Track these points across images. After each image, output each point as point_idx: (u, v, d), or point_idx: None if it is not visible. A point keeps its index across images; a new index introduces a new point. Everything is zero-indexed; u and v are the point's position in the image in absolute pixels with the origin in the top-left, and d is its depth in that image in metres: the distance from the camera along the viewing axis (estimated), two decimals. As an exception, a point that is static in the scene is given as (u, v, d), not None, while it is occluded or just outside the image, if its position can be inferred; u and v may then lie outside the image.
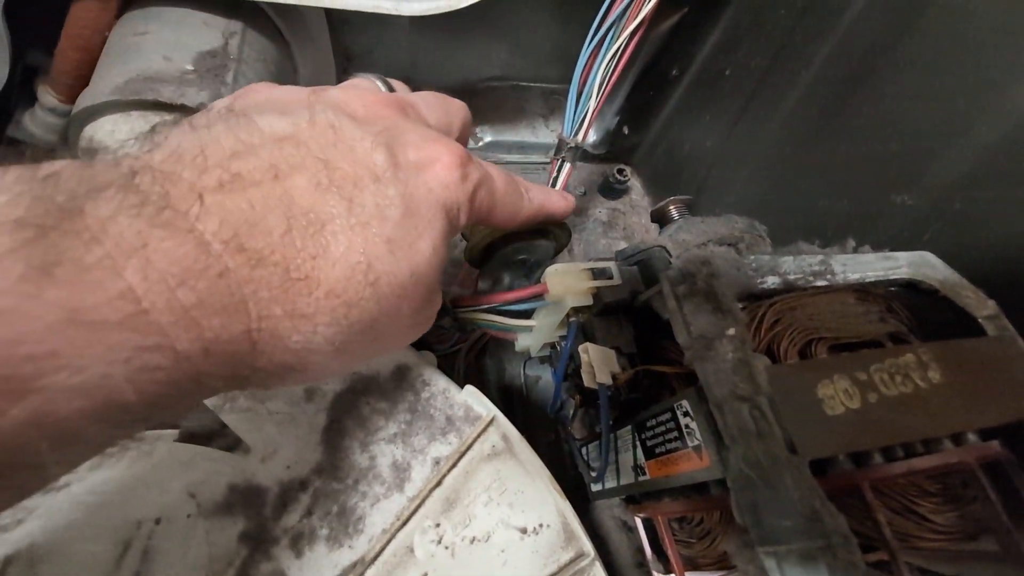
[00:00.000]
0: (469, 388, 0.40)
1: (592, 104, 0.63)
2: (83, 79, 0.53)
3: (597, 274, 0.36)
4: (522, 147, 0.88)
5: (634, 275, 0.37)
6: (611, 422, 0.34)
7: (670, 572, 0.35)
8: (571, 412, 0.44)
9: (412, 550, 0.34)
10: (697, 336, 0.29)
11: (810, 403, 0.26)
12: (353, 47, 0.74)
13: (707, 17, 0.73)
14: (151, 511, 0.32)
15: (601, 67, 0.62)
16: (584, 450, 0.44)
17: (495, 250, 0.42)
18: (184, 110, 0.44)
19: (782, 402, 0.26)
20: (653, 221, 0.52)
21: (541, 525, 0.36)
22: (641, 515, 0.37)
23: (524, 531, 0.36)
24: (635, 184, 0.93)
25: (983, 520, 0.27)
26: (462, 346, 0.60)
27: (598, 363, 0.33)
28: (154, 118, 0.44)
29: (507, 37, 0.82)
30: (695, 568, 0.33)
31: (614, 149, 0.94)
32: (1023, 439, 0.29)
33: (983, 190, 0.44)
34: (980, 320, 0.35)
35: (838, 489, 0.26)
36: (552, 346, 0.41)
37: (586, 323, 0.37)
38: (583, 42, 0.85)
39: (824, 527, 0.22)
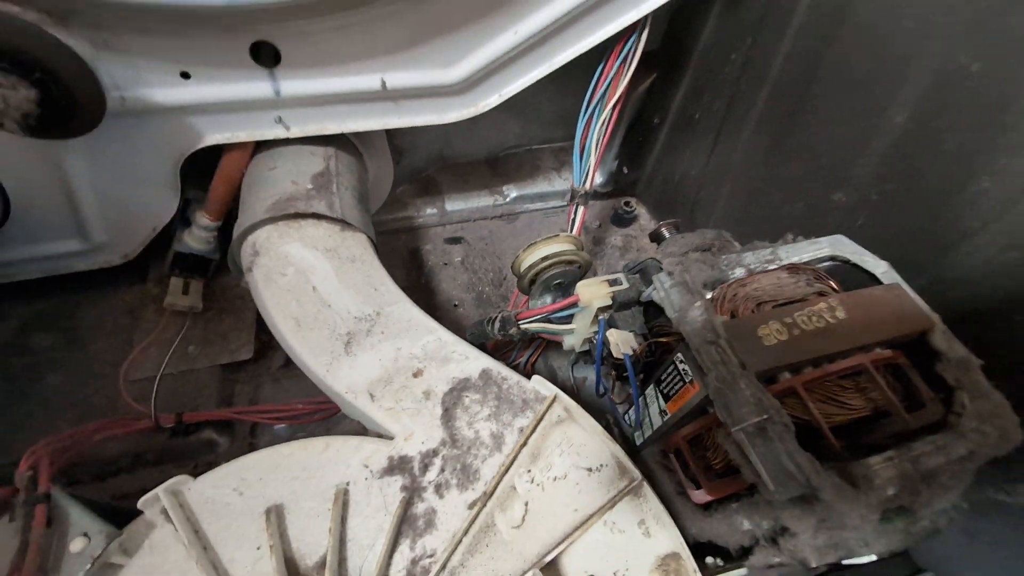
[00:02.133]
0: (536, 377, 0.56)
1: (592, 159, 0.82)
2: (228, 203, 0.75)
3: (612, 283, 0.53)
4: (542, 197, 1.07)
5: (637, 280, 0.53)
6: (638, 382, 0.50)
7: (699, 487, 0.50)
8: (611, 386, 0.59)
9: (515, 488, 0.50)
10: (678, 309, 0.45)
11: (753, 339, 0.42)
12: (402, 144, 0.96)
13: (673, 77, 0.92)
14: (342, 478, 0.49)
15: (595, 132, 0.80)
16: (625, 417, 0.59)
17: (538, 279, 0.60)
18: (314, 216, 0.64)
19: (734, 341, 0.41)
20: (651, 241, 0.68)
21: (601, 465, 0.51)
22: (671, 449, 0.52)
23: (589, 470, 0.51)
24: (642, 211, 1.10)
25: (879, 401, 0.41)
26: (521, 360, 0.77)
27: (620, 341, 0.49)
28: (296, 223, 0.64)
29: (518, 112, 1.02)
30: (712, 473, 0.47)
31: (618, 186, 1.12)
32: (914, 349, 0.44)
33: (888, 183, 0.60)
34: (878, 275, 0.50)
35: (782, 392, 0.41)
36: (589, 340, 0.57)
37: (609, 319, 0.54)
38: (578, 106, 1.05)
39: (764, 406, 0.37)
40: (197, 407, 0.71)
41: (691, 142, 0.95)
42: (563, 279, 0.61)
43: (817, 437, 0.41)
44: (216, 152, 0.71)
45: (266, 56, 0.62)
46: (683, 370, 0.45)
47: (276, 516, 0.46)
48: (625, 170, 1.09)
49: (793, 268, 0.50)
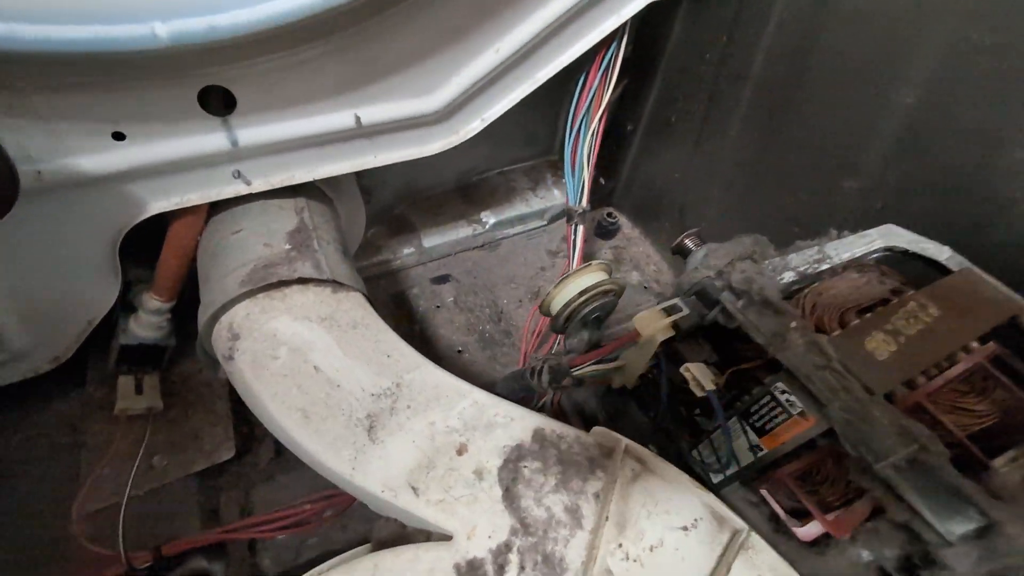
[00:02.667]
0: (596, 429, 0.49)
1: (586, 175, 0.77)
2: (182, 279, 0.63)
3: (670, 311, 0.47)
4: (522, 219, 1.01)
5: (694, 302, 0.48)
6: (723, 418, 0.44)
7: (805, 522, 0.44)
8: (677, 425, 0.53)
9: (610, 571, 0.42)
10: (771, 335, 0.40)
11: (865, 356, 0.37)
12: (369, 183, 0.86)
13: (644, 82, 0.90)
14: (404, 603, 0.40)
15: (584, 146, 0.76)
16: (695, 453, 0.53)
17: (575, 316, 0.53)
18: (300, 281, 0.54)
19: (848, 361, 0.37)
20: (674, 254, 0.63)
21: (696, 519, 0.45)
22: (765, 486, 0.47)
23: (685, 528, 0.45)
24: (623, 221, 1.07)
25: (1005, 400, 0.38)
26: (546, 399, 0.70)
27: (700, 375, 0.44)
28: (280, 293, 0.54)
29: (486, 136, 0.96)
30: (828, 508, 0.42)
31: (595, 197, 1.08)
32: (1008, 336, 0.41)
33: (906, 164, 0.59)
34: (943, 263, 0.48)
35: (907, 410, 0.36)
36: (643, 376, 0.51)
37: (670, 351, 0.48)
38: (547, 122, 1.00)
39: (914, 435, 0.33)
40: (177, 533, 0.57)
41: (670, 145, 0.93)
42: (601, 312, 0.55)
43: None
44: (162, 221, 0.59)
45: (217, 102, 0.52)
46: (786, 402, 0.40)
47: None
48: (601, 180, 1.05)
49: (859, 266, 0.47)
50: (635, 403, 0.58)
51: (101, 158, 0.50)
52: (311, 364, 0.51)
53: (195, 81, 0.49)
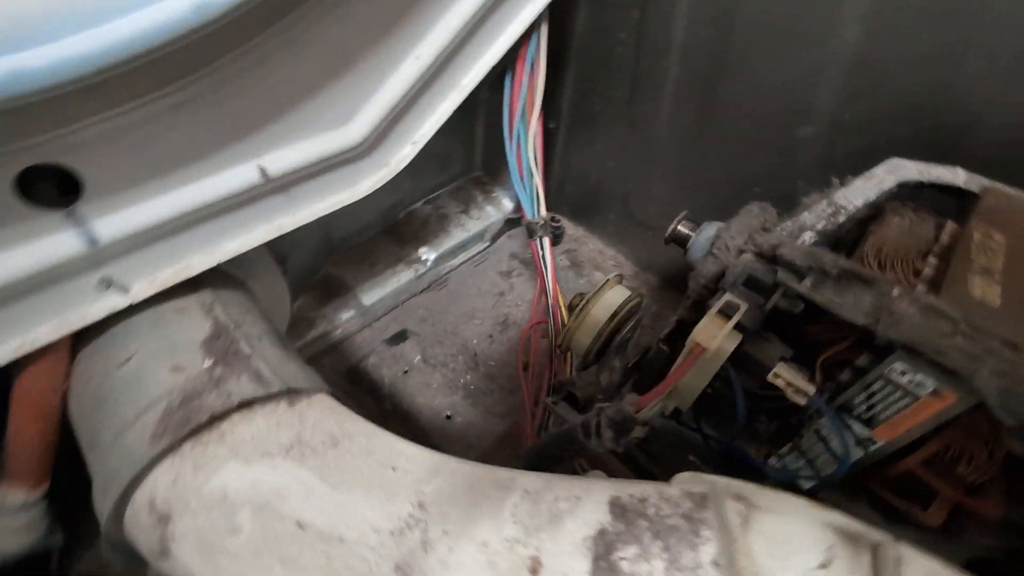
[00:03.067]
0: (679, 476, 0.40)
1: (537, 179, 0.68)
2: (51, 453, 0.44)
3: (726, 312, 0.39)
4: (462, 246, 0.90)
5: (749, 294, 0.41)
6: (835, 418, 0.37)
7: (926, 507, 0.39)
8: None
9: (773, 653, 0.33)
10: (871, 310, 0.33)
11: (980, 306, 0.32)
12: (280, 248, 0.70)
13: (557, 78, 0.83)
14: None
15: (529, 151, 0.67)
16: (771, 461, 0.46)
17: (608, 345, 0.44)
18: (241, 407, 0.39)
19: (972, 319, 0.31)
20: (669, 243, 0.56)
21: (829, 547, 0.37)
22: (876, 478, 0.41)
23: (823, 566, 0.37)
24: (565, 223, 1.00)
25: None
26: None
27: (793, 379, 0.36)
28: (216, 433, 0.38)
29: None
30: (971, 490, 0.37)
31: (532, 208, 1.00)
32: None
33: (862, 98, 0.57)
34: (961, 186, 0.45)
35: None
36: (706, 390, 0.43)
37: (735, 359, 0.40)
38: (460, 138, 0.90)
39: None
40: None
41: (599, 136, 0.88)
42: (630, 334, 0.46)
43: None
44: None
45: (49, 188, 0.36)
46: (909, 383, 0.34)
47: None
48: (535, 187, 0.97)
49: (892, 208, 0.43)
50: (684, 426, 0.50)
51: None
52: (291, 521, 0.36)
53: (7, 161, 0.32)
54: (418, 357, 0.73)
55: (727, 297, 0.40)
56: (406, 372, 0.71)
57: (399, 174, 0.74)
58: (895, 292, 0.33)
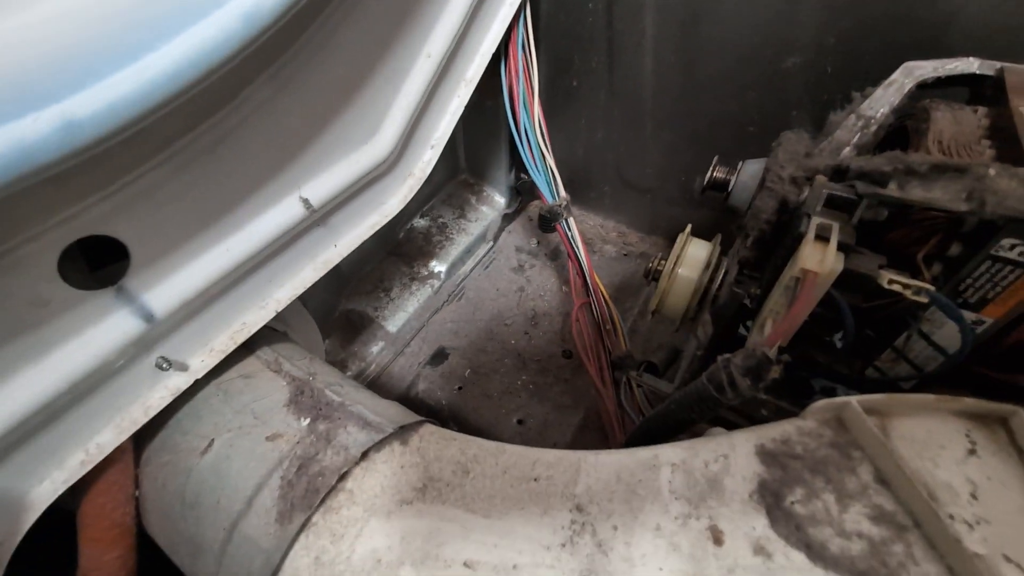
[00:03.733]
0: (810, 408, 0.40)
1: (550, 162, 0.66)
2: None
3: (823, 233, 0.39)
4: (468, 251, 0.87)
5: (833, 214, 0.41)
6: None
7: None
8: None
9: (977, 552, 0.33)
10: (971, 194, 0.34)
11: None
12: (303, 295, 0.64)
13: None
14: None
15: (535, 135, 0.65)
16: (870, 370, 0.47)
17: (706, 299, 0.43)
18: (360, 459, 0.35)
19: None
20: (707, 191, 0.55)
21: (968, 433, 0.38)
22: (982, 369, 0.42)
23: (971, 451, 0.38)
24: (563, 206, 0.98)
25: None
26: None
27: (910, 280, 0.37)
28: (338, 502, 0.33)
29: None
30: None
31: (522, 196, 0.98)
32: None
33: (844, 21, 0.59)
34: (975, 72, 0.47)
35: None
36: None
37: (837, 280, 0.40)
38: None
39: None
40: None
41: (579, 112, 0.87)
42: (721, 285, 0.45)
43: None
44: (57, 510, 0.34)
45: (91, 269, 0.30)
46: (1020, 255, 0.35)
47: None
48: (523, 176, 0.95)
49: (933, 105, 0.45)
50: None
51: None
52: (458, 564, 0.33)
53: (50, 239, 0.26)
54: (467, 372, 0.69)
55: (818, 220, 0.40)
56: (460, 388, 0.67)
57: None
58: (991, 171, 0.34)
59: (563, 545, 0.34)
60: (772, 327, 0.39)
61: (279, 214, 0.39)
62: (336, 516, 0.33)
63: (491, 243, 0.91)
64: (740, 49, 0.69)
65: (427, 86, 0.49)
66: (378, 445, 0.36)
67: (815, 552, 0.34)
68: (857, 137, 0.47)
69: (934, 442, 0.38)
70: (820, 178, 0.43)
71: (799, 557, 0.34)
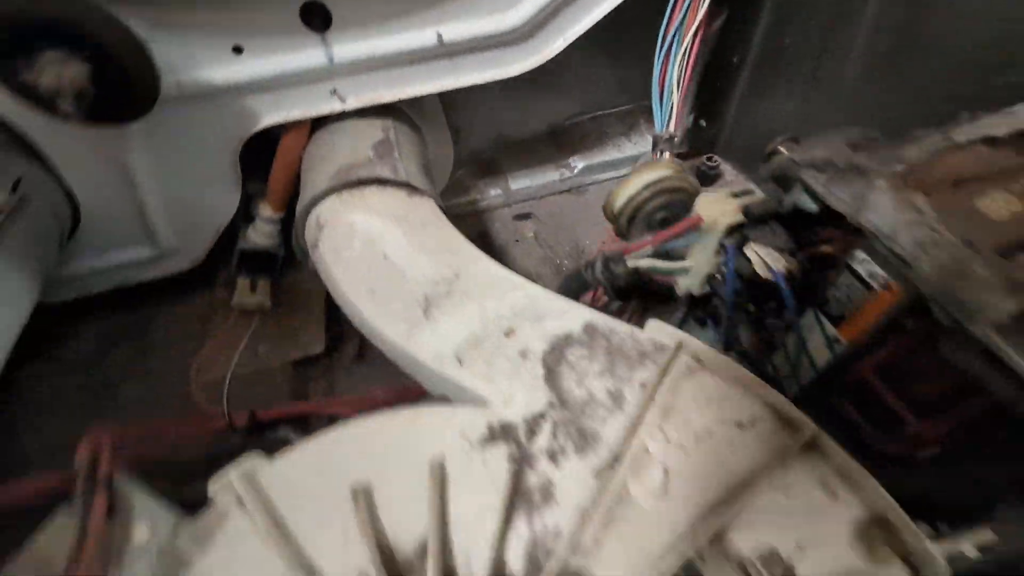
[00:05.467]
0: (651, 323, 0.46)
1: (676, 99, 0.72)
2: (290, 191, 0.72)
3: (740, 194, 0.43)
4: (612, 165, 0.98)
5: (774, 189, 0.43)
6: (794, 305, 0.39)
7: (889, 433, 0.37)
8: (745, 335, 0.48)
9: (647, 451, 0.40)
10: (853, 199, 0.34)
11: (972, 215, 0.31)
12: (459, 123, 0.90)
13: (752, 7, 0.82)
14: (437, 452, 0.41)
15: (675, 67, 0.71)
16: (769, 368, 0.47)
17: (638, 214, 0.51)
18: (378, 182, 0.59)
19: (948, 219, 0.30)
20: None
21: (754, 419, 0.40)
22: (848, 391, 0.40)
23: (740, 425, 0.40)
24: (726, 168, 0.98)
25: None
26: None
27: (766, 256, 0.39)
28: (359, 192, 0.59)
29: (576, 80, 0.95)
30: (923, 411, 0.35)
31: (697, 143, 1.01)
32: None
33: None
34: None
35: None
36: (712, 277, 0.47)
37: (740, 243, 0.43)
38: (637, 70, 0.95)
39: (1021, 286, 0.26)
40: (271, 406, 0.66)
41: (783, 75, 0.84)
42: (668, 212, 0.51)
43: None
44: (270, 141, 0.68)
45: (316, 19, 0.59)
46: (866, 274, 0.34)
47: (365, 498, 0.39)
48: (703, 123, 0.98)
49: (990, 140, 0.38)
50: (698, 322, 0.53)
51: (224, 70, 0.59)
52: (381, 252, 0.56)
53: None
54: (532, 234, 0.86)
55: (746, 184, 0.44)
56: (517, 241, 0.86)
57: (571, 87, 0.85)
58: (879, 183, 0.34)
59: (432, 281, 0.53)
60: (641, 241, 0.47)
61: (420, 37, 0.62)
62: (350, 197, 0.59)
63: (636, 169, 1.00)
64: (959, 54, 0.59)
65: (570, -19, 0.63)
66: (394, 183, 0.60)
67: (551, 375, 0.46)
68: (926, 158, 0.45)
69: (720, 402, 0.42)
70: (788, 159, 0.44)
71: (539, 371, 0.46)
